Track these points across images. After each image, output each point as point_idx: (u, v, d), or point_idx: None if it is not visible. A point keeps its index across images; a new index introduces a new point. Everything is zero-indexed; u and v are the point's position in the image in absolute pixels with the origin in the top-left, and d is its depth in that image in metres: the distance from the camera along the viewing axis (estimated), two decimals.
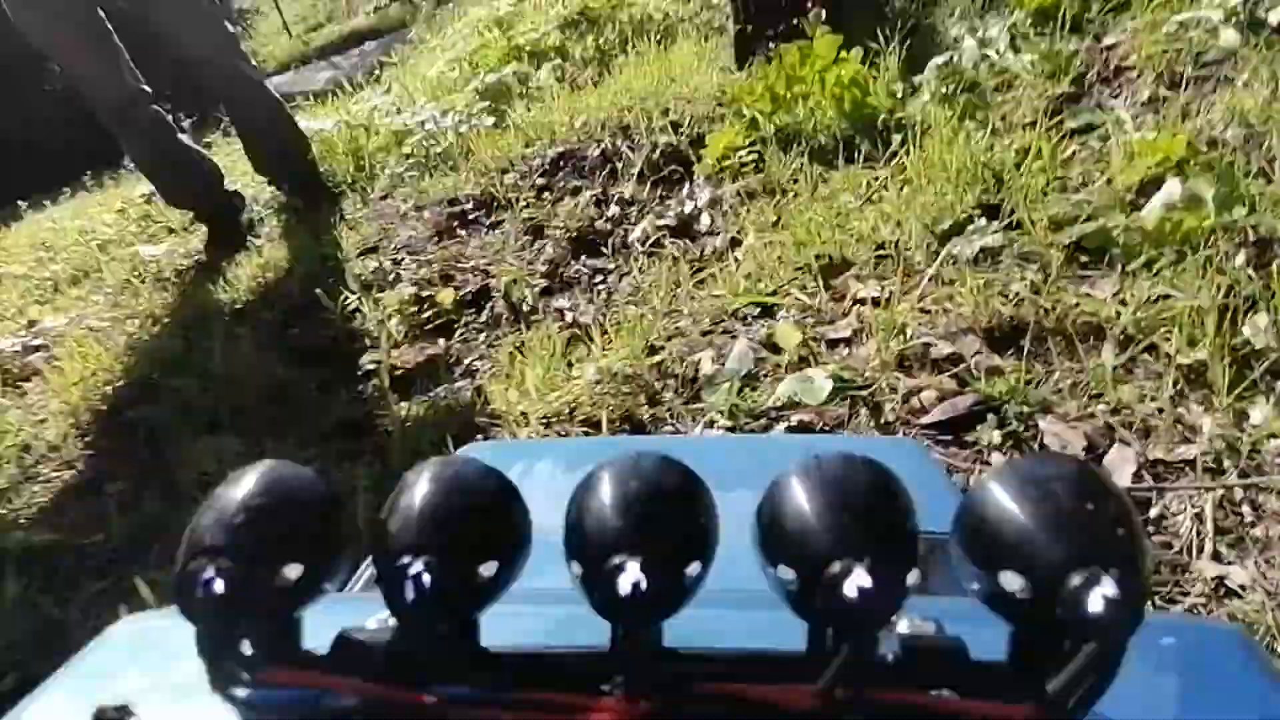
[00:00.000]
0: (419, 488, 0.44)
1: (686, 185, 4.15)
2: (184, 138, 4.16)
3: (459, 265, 4.11)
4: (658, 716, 0.42)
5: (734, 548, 0.44)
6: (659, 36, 7.90)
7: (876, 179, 3.17)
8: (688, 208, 3.82)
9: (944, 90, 3.45)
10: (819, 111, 3.75)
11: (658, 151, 4.76)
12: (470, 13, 10.35)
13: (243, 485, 0.45)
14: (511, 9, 9.78)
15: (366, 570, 0.91)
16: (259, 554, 0.43)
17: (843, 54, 3.66)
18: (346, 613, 0.50)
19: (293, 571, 0.44)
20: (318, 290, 3.52)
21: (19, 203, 8.12)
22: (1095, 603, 0.35)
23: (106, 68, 3.58)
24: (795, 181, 3.48)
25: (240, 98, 4.13)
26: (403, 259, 4.24)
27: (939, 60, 3.52)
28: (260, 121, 4.25)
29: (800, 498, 0.42)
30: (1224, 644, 0.61)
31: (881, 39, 3.94)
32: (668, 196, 4.32)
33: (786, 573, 0.41)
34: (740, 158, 3.77)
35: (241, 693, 0.45)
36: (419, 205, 5.11)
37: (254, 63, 4.55)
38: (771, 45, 6.10)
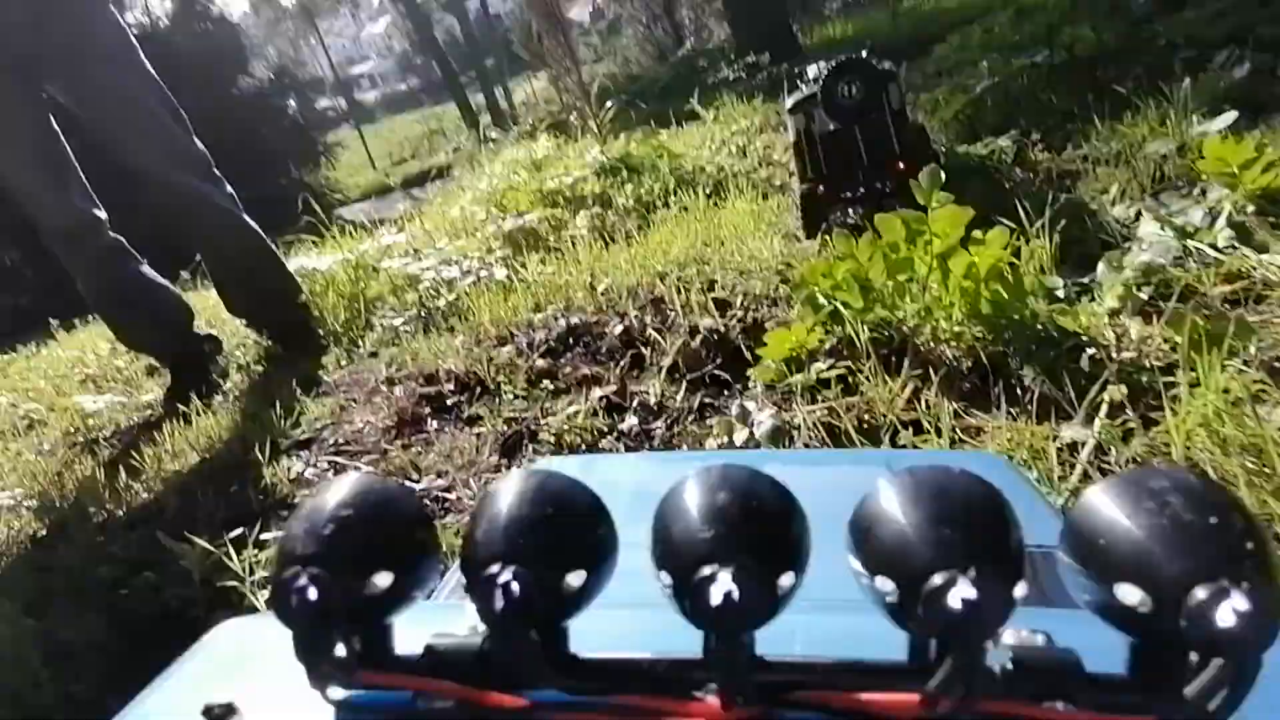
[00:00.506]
0: (506, 498, 0.45)
1: (738, 397, 2.86)
2: (147, 270, 3.57)
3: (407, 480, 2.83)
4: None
5: (826, 558, 0.44)
6: (709, 191, 6.85)
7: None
8: (738, 435, 2.51)
9: (1142, 296, 2.17)
10: (939, 311, 2.49)
11: (698, 339, 3.52)
12: (505, 152, 9.67)
13: (332, 496, 0.46)
14: (551, 151, 8.99)
15: (454, 578, 0.88)
16: (350, 562, 0.43)
17: (975, 232, 2.43)
18: (437, 619, 0.51)
19: (383, 580, 0.44)
20: (160, 535, 2.23)
21: None
22: (1225, 616, 0.33)
23: (54, 186, 3.09)
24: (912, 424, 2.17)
25: (201, 222, 3.51)
26: (338, 465, 2.98)
27: (1134, 258, 2.26)
28: (228, 251, 3.65)
29: (901, 507, 0.41)
30: None
31: (1024, 218, 2.73)
32: (710, 407, 3.02)
33: (885, 584, 0.40)
34: (818, 369, 2.49)
35: (338, 694, 0.46)
36: (393, 378, 3.91)
37: (228, 189, 3.74)
38: (852, 210, 4.81)
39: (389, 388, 4.05)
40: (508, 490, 0.46)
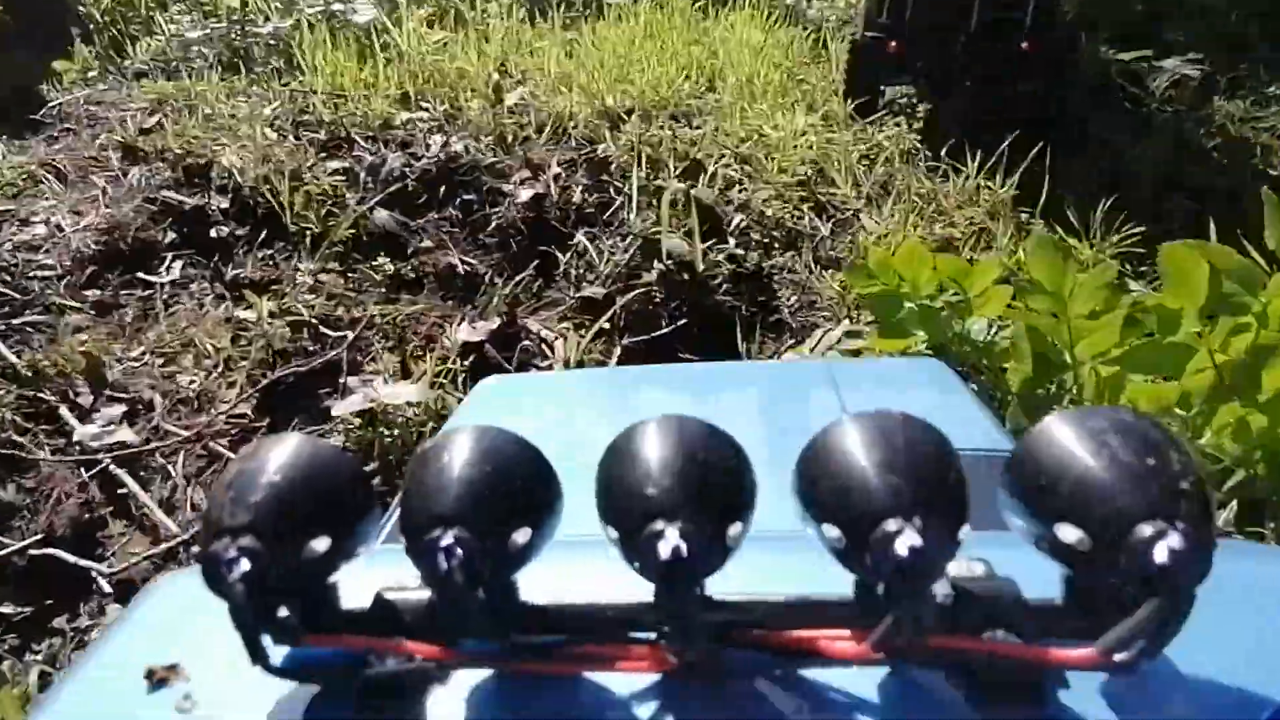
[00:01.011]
0: (443, 456, 0.41)
1: None
2: None
3: None
4: (702, 664, 0.41)
5: (775, 483, 0.42)
6: None
7: None
8: None
9: None
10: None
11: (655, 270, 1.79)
12: None
13: (261, 459, 0.41)
14: None
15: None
16: (284, 530, 0.39)
17: None
18: (384, 566, 0.46)
19: (320, 544, 0.40)
20: None
21: None
22: (1162, 554, 0.33)
23: None
24: None
25: None
26: None
27: None
28: None
29: (847, 454, 0.39)
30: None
31: None
32: None
33: (832, 530, 0.38)
34: None
35: (282, 662, 0.42)
36: (138, 148, 2.18)
37: None
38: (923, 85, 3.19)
39: (125, 162, 2.66)
40: (445, 448, 0.42)
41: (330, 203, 2.81)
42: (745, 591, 0.43)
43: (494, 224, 2.79)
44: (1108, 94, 3.87)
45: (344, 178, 2.88)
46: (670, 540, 0.37)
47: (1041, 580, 0.41)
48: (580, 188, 2.88)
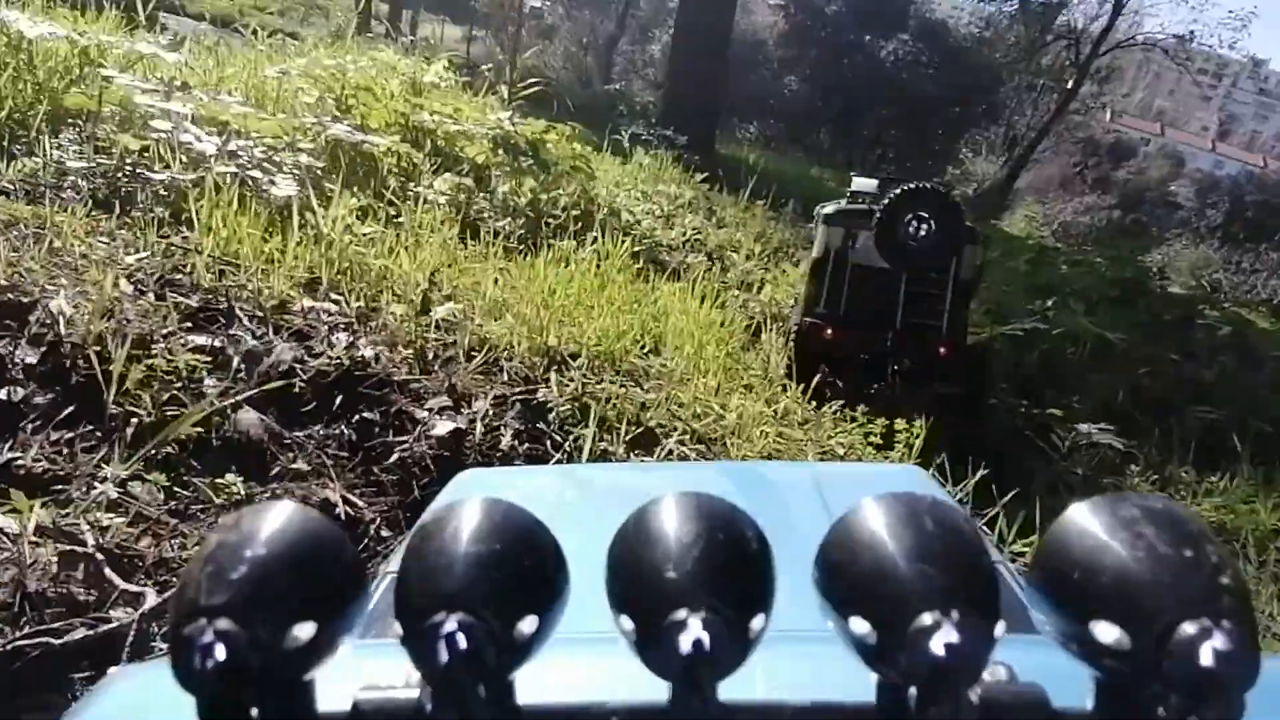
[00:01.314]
0: (446, 532, 0.37)
1: None
2: None
3: None
4: None
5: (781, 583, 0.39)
6: (636, 253, 4.55)
7: None
8: None
9: None
10: None
11: None
12: (384, 54, 6.75)
13: (244, 531, 0.37)
14: (445, 83, 6.30)
15: (378, 607, 0.73)
16: (267, 613, 0.35)
17: None
18: (363, 664, 0.43)
19: (304, 631, 0.36)
20: None
21: None
22: (1207, 656, 0.31)
23: None
24: None
25: None
26: None
27: None
28: None
29: (875, 541, 0.36)
30: None
31: None
32: None
33: (861, 625, 0.35)
34: None
35: None
36: None
37: None
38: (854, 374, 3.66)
39: None
40: (450, 522, 0.38)
41: (180, 387, 2.08)
42: (760, 696, 0.39)
43: (396, 456, 2.14)
44: (1019, 439, 3.91)
45: (209, 359, 2.18)
46: (693, 631, 0.34)
47: (1066, 686, 0.38)
48: (511, 432, 2.32)
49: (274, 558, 0.36)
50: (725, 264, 5.78)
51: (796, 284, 4.98)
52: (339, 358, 2.36)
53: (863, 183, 4.49)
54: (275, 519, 0.38)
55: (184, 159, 3.81)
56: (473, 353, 2.72)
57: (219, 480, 1.88)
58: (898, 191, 3.55)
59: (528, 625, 0.36)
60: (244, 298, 2.55)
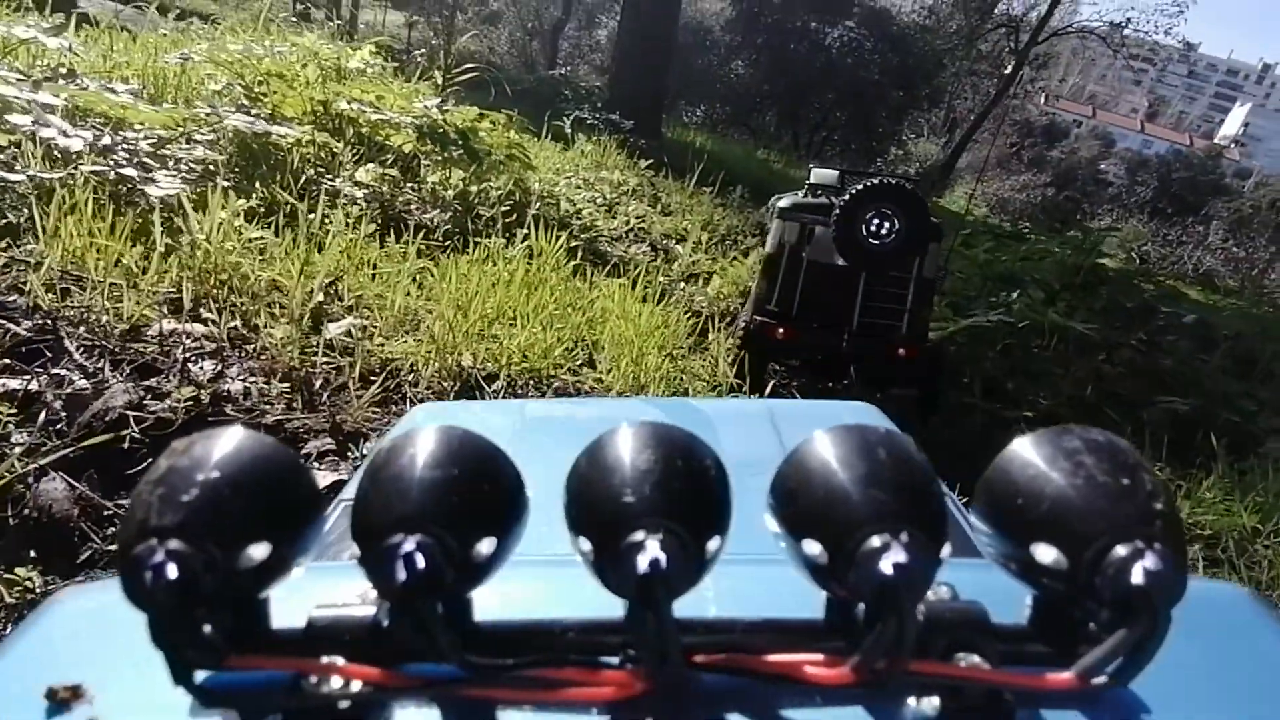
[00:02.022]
0: (406, 455, 0.37)
1: None
2: None
3: None
4: (672, 689, 0.37)
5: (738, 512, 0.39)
6: (575, 244, 4.12)
7: None
8: None
9: None
10: None
11: None
12: (307, 38, 6.14)
13: (196, 453, 0.36)
14: (371, 69, 5.77)
15: (333, 531, 0.75)
16: (219, 533, 0.34)
17: None
18: (318, 584, 0.42)
19: (259, 551, 0.35)
20: None
21: None
22: (1138, 575, 0.33)
23: None
24: None
25: None
26: None
27: None
28: None
29: (827, 467, 0.37)
30: (1234, 603, 0.57)
31: None
32: None
33: (813, 546, 0.36)
34: None
35: (206, 681, 0.37)
36: None
37: None
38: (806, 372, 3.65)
39: None
40: (407, 446, 0.37)
41: None
42: (713, 613, 0.41)
43: None
44: (988, 441, 3.64)
45: (14, 408, 1.70)
46: (650, 552, 0.34)
47: (1005, 606, 0.39)
48: None
49: (226, 480, 0.35)
50: (670, 255, 5.38)
51: (746, 277, 4.81)
52: (195, 395, 1.90)
53: (822, 174, 4.09)
54: (228, 442, 0.37)
55: (48, 157, 3.27)
56: (371, 378, 2.29)
57: (10, 574, 1.43)
58: (859, 187, 3.23)
59: (486, 546, 0.36)
60: (82, 321, 2.07)
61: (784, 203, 3.67)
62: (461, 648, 0.36)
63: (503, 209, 4.57)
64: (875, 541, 0.33)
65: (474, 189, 4.57)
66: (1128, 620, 0.33)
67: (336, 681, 0.36)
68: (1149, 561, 0.32)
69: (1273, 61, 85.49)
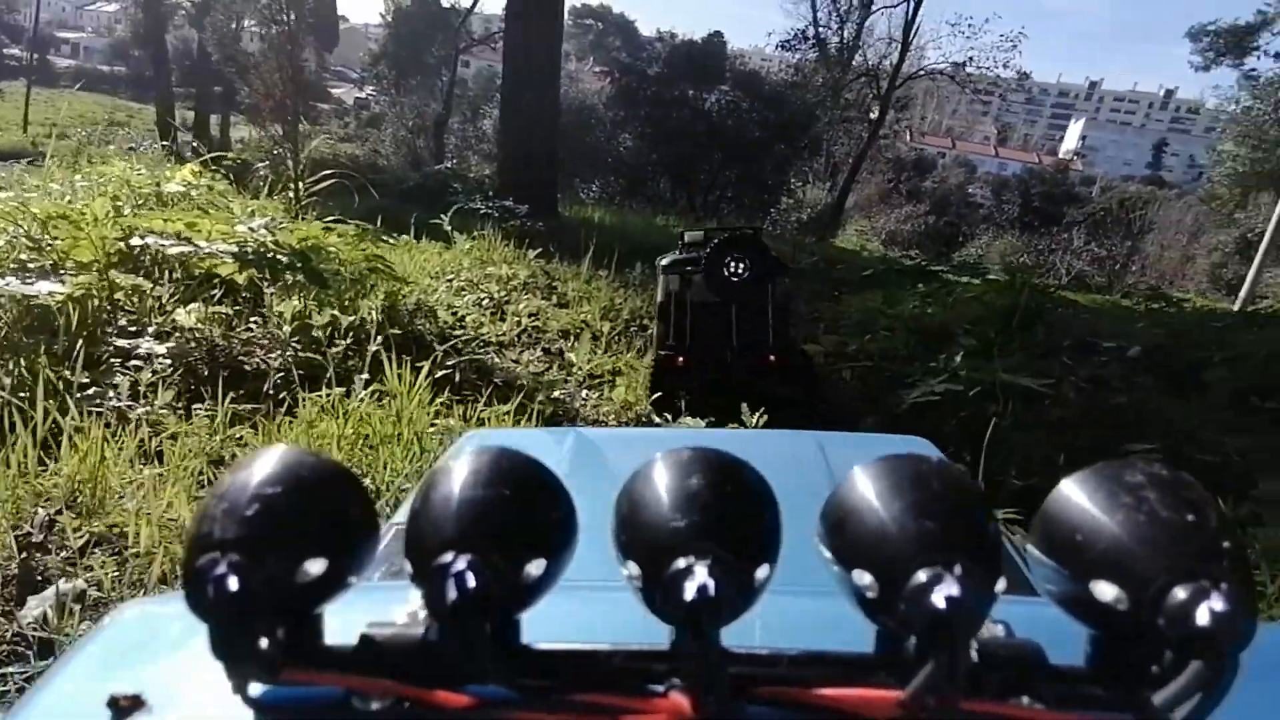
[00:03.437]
0: (458, 476, 0.37)
1: None
2: None
3: None
4: (721, 718, 0.35)
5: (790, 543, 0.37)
6: (450, 364, 3.18)
7: None
8: None
9: None
10: None
11: None
12: (115, 166, 5.22)
13: (257, 471, 0.37)
14: (195, 191, 4.89)
15: (387, 551, 0.69)
16: (278, 548, 0.35)
17: None
18: (371, 603, 0.42)
19: (315, 567, 0.35)
20: None
21: None
22: (1204, 616, 0.30)
23: None
24: None
25: None
26: None
27: None
28: None
29: (879, 497, 0.35)
30: None
31: None
32: None
33: (863, 577, 0.34)
34: None
35: (260, 693, 0.37)
36: None
37: None
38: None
39: None
40: (460, 468, 0.37)
41: None
42: (762, 644, 0.38)
43: None
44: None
45: None
46: (698, 578, 0.32)
47: (1061, 644, 0.36)
48: None
49: (286, 496, 0.35)
50: (567, 358, 4.61)
51: (648, 343, 5.02)
52: None
53: (692, 234, 5.01)
54: (288, 459, 0.36)
55: None
56: None
57: None
58: (715, 242, 4.13)
59: (535, 568, 0.35)
60: None
61: (665, 261, 4.43)
62: (510, 669, 0.35)
63: (370, 332, 3.73)
64: (927, 574, 0.31)
65: (319, 319, 3.72)
66: (1192, 664, 0.31)
67: (386, 699, 0.35)
68: (1215, 602, 0.30)
69: (1097, 79, 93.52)
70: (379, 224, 7.42)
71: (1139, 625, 0.31)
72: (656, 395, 3.97)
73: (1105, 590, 0.32)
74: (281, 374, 3.32)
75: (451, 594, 0.33)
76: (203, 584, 0.32)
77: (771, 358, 3.99)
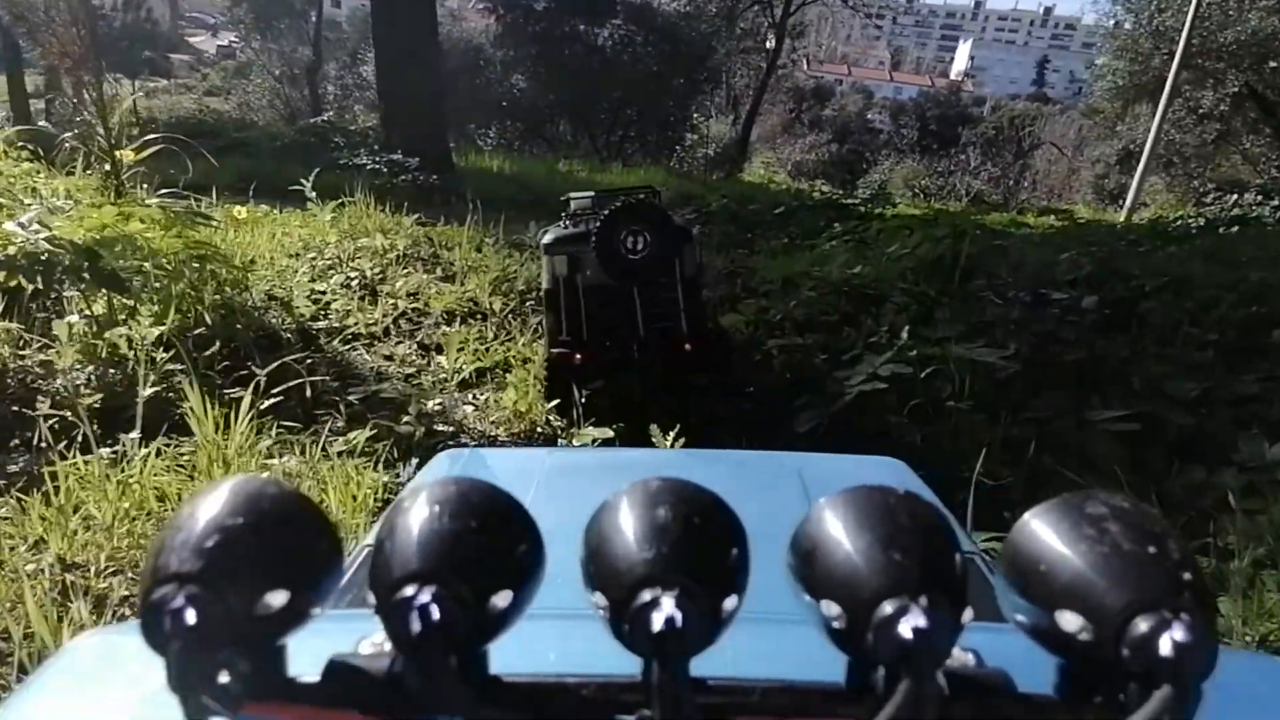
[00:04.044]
0: (422, 507, 0.36)
1: None
2: None
3: None
4: None
5: (758, 570, 0.37)
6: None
7: None
8: None
9: None
10: None
11: None
12: None
13: (215, 502, 0.35)
14: None
15: (353, 578, 0.73)
16: (238, 580, 0.33)
17: None
18: (335, 632, 0.40)
19: (277, 598, 0.34)
20: None
21: None
22: (1166, 647, 0.31)
23: None
24: None
25: None
26: None
27: None
28: None
29: (847, 529, 0.35)
30: (1275, 675, 0.55)
31: None
32: None
33: (831, 608, 0.34)
34: None
35: None
36: None
37: None
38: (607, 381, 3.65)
39: None
40: (426, 498, 0.36)
41: None
42: (733, 674, 0.38)
43: None
44: None
45: None
46: (665, 610, 0.32)
47: (1030, 672, 0.37)
48: None
49: (247, 527, 0.34)
50: (457, 353, 3.86)
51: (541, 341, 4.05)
52: None
53: (578, 199, 4.03)
54: (248, 490, 0.36)
55: None
56: None
57: None
58: (606, 213, 3.26)
59: (501, 599, 0.35)
60: None
61: (548, 238, 3.52)
62: (476, 701, 0.35)
63: (188, 343, 2.89)
64: (893, 605, 0.32)
65: (111, 335, 2.85)
66: (1156, 693, 0.31)
67: None
68: (1176, 633, 0.30)
69: None
70: (252, 191, 6.34)
71: (1103, 655, 0.32)
72: (555, 402, 3.32)
73: (1070, 621, 0.33)
74: (58, 417, 2.49)
75: (415, 626, 0.32)
76: (159, 616, 0.31)
77: (686, 345, 3.34)
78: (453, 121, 14.78)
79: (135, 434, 2.21)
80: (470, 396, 3.47)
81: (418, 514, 0.34)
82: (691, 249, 3.45)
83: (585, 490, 0.90)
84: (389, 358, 3.83)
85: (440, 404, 3.23)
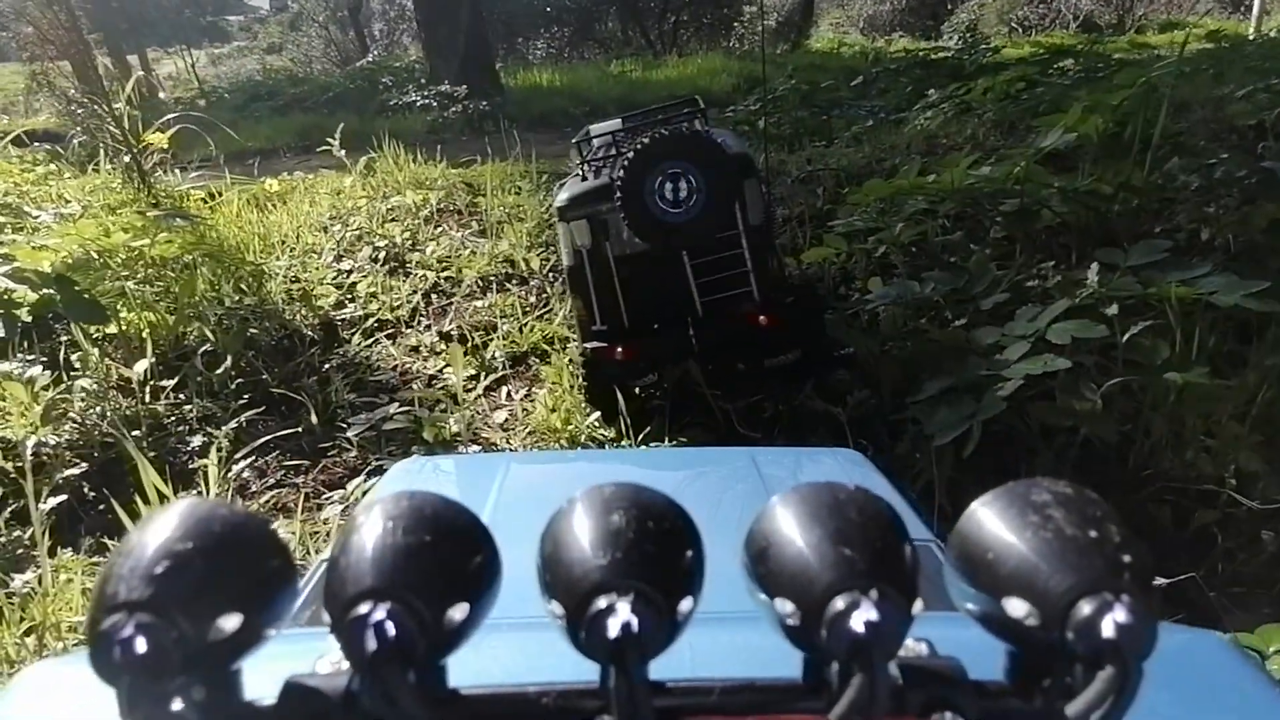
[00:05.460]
0: (375, 523, 0.34)
1: None
2: None
3: None
4: None
5: (710, 566, 0.37)
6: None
7: None
8: None
9: None
10: None
11: None
12: None
13: (165, 526, 0.34)
14: None
15: (308, 595, 0.70)
16: (189, 605, 0.32)
17: None
18: (291, 651, 0.39)
19: (230, 622, 0.33)
20: None
21: None
22: (1109, 629, 0.31)
23: None
24: None
25: None
26: None
27: None
28: None
29: (798, 526, 0.35)
30: (1212, 651, 0.55)
31: None
32: None
33: (785, 605, 0.34)
34: None
35: None
36: None
37: None
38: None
39: None
40: (377, 514, 0.35)
41: None
42: (690, 674, 0.38)
43: None
44: None
45: None
46: (621, 615, 0.32)
47: (982, 659, 0.37)
48: None
49: (197, 551, 0.33)
50: (488, 335, 3.23)
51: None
52: None
53: (600, 131, 2.90)
54: (199, 513, 0.34)
55: None
56: None
57: None
58: (631, 155, 2.28)
59: (458, 612, 0.34)
60: None
61: (562, 198, 2.57)
62: (437, 716, 0.34)
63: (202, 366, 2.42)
64: (844, 600, 0.32)
65: (84, 380, 2.42)
66: (1100, 674, 0.31)
67: None
68: (1118, 614, 0.31)
69: None
70: (314, 148, 5.83)
71: (1050, 639, 0.32)
72: (596, 413, 2.55)
73: (1017, 607, 0.33)
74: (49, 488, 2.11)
75: (371, 645, 0.31)
76: (109, 646, 0.30)
77: (761, 319, 2.42)
78: (498, 38, 13.75)
79: (29, 575, 1.69)
80: (504, 396, 2.88)
81: (370, 530, 0.33)
82: (754, 185, 2.43)
83: (545, 495, 0.77)
84: (415, 349, 3.28)
85: (458, 431, 2.54)
